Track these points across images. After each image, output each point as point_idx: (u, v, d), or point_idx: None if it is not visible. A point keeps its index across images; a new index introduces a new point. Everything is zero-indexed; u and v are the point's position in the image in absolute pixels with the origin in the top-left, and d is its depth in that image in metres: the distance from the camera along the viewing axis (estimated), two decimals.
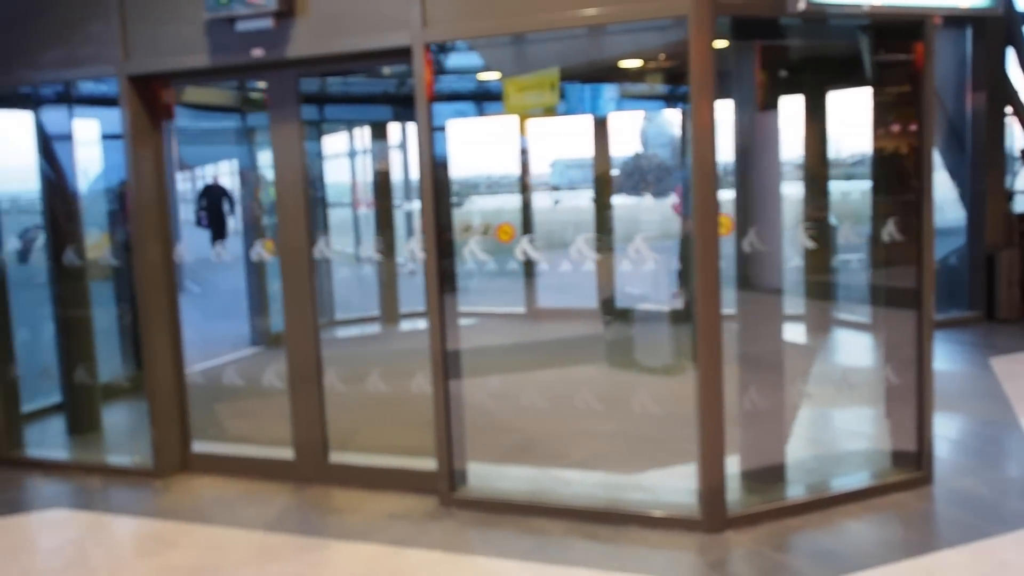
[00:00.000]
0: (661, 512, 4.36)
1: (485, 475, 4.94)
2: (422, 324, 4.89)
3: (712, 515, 4.23)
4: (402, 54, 4.55)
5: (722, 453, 4.22)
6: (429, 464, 4.82)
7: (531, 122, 9.03)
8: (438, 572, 3.97)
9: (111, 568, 4.17)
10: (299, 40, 4.71)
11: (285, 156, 5.04)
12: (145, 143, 5.20)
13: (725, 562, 3.96)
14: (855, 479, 4.82)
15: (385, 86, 9.96)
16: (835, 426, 5.87)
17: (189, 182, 19.65)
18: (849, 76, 6.17)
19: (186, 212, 20.12)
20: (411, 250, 4.95)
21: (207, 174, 10.11)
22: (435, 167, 4.61)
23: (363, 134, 10.64)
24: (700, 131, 4.07)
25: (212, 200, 9.79)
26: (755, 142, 4.62)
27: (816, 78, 7.92)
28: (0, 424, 5.68)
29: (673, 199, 8.67)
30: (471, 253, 5.27)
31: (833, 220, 8.14)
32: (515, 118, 9.50)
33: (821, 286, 8.16)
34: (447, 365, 4.69)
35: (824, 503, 4.45)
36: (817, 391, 6.14)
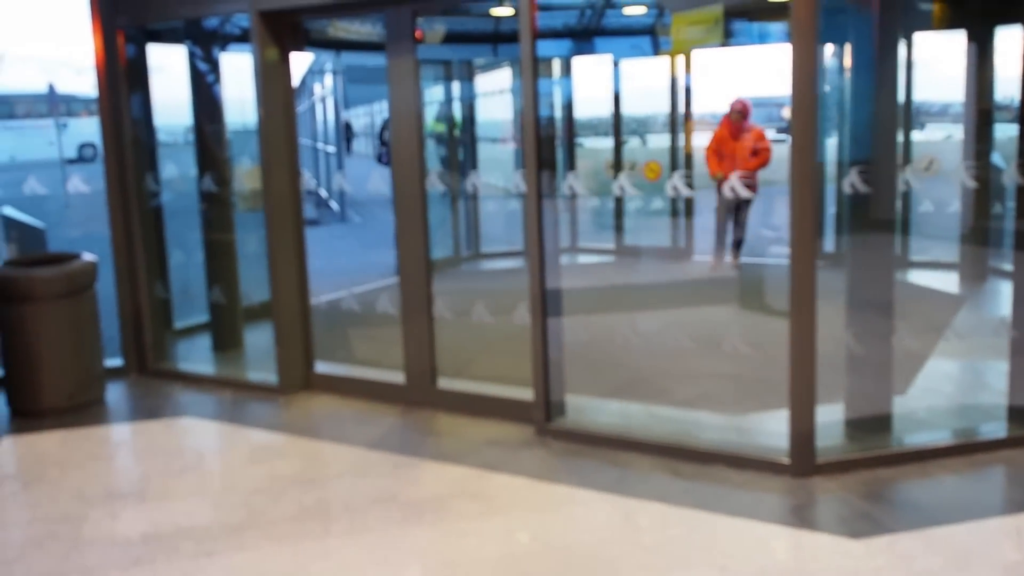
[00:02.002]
0: (749, 453, 4.28)
1: (586, 408, 5.00)
2: (564, 259, 4.91)
3: (800, 459, 4.12)
4: None
5: (812, 398, 4.08)
6: (530, 394, 4.92)
7: (704, 59, 8.82)
8: (517, 495, 4.09)
9: (222, 472, 4.55)
10: None
11: (400, 93, 5.17)
12: (274, 78, 5.46)
13: (806, 506, 3.87)
14: (963, 433, 4.55)
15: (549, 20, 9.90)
16: (964, 378, 5.53)
17: (366, 117, 20.34)
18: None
19: (359, 145, 20.90)
20: (570, 185, 5.02)
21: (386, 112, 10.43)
22: (536, 108, 4.58)
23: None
24: (800, 71, 3.87)
25: None
26: (872, 80, 4.35)
27: (982, 12, 7.31)
28: (149, 339, 6.21)
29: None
30: (620, 188, 5.29)
31: (998, 161, 7.53)
32: (675, 55, 9.37)
33: (980, 232, 7.62)
34: (545, 300, 4.75)
35: (924, 455, 4.23)
36: (957, 342, 5.81)
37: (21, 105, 20.80)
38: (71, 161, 17.10)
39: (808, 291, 4.00)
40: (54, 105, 15.92)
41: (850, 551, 3.47)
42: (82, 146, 19.15)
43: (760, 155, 7.80)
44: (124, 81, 5.98)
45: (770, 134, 8.26)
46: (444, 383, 5.38)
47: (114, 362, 6.16)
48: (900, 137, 7.82)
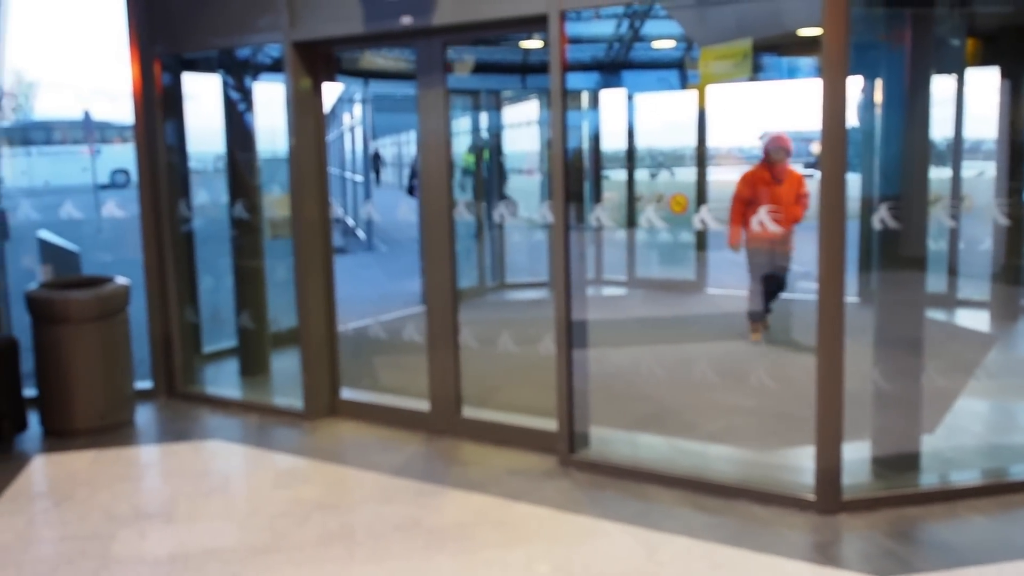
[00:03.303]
0: (775, 489, 4.26)
1: (610, 440, 5.00)
2: (589, 291, 4.94)
3: (826, 496, 4.09)
4: (539, 21, 4.62)
5: (839, 434, 4.07)
6: (554, 425, 4.93)
7: (736, 92, 8.85)
8: (540, 525, 4.09)
9: (248, 496, 4.58)
10: (444, 8, 4.89)
11: (430, 122, 5.25)
12: (306, 107, 5.56)
13: (832, 544, 3.83)
14: (992, 473, 4.50)
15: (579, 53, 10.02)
16: (993, 418, 5.48)
17: (393, 147, 20.49)
18: None
19: (387, 175, 21.02)
20: (597, 217, 5.03)
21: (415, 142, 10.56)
22: (565, 138, 4.64)
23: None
24: (831, 105, 3.89)
25: None
26: (903, 116, 4.36)
27: (1016, 48, 7.32)
28: (179, 362, 6.28)
29: None
30: (647, 221, 5.31)
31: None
32: (703, 89, 9.41)
33: (1013, 270, 7.56)
34: (571, 330, 4.77)
35: (951, 494, 4.19)
36: (987, 381, 5.78)
37: (58, 131, 21.20)
38: (103, 187, 17.38)
39: (836, 327, 4.00)
40: (89, 132, 16.21)
41: None
42: (114, 172, 19.45)
43: (802, 202, 6.90)
44: (160, 108, 6.11)
45: (801, 171, 8.17)
46: (468, 411, 5.40)
47: (143, 384, 6.24)
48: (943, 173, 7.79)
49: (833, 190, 3.94)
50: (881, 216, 4.16)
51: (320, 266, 5.72)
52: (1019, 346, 7.33)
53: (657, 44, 10.08)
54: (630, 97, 10.45)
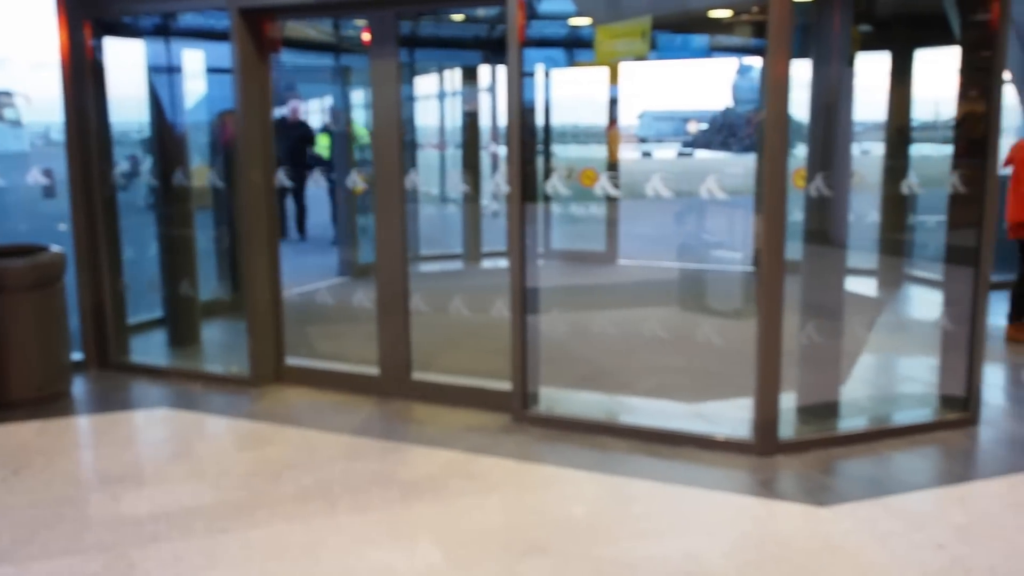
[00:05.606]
0: (717, 435, 4.66)
1: (557, 398, 5.30)
2: (502, 263, 5.24)
3: (764, 440, 4.52)
4: None
5: (777, 384, 4.50)
6: (502, 385, 5.20)
7: (622, 71, 9.19)
8: (508, 475, 4.36)
9: (214, 458, 4.65)
10: None
11: (383, 95, 5.38)
12: (253, 76, 5.59)
13: (773, 480, 4.26)
14: (903, 417, 5.09)
15: (477, 31, 10.19)
16: (894, 371, 6.09)
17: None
18: (938, 35, 6.22)
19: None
20: (496, 184, 5.27)
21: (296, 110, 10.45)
22: (523, 112, 4.87)
23: (453, 77, 10.93)
24: (775, 84, 4.27)
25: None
26: (833, 97, 4.78)
27: (903, 36, 7.94)
28: (112, 332, 6.21)
29: None
30: (553, 189, 5.57)
31: (914, 180, 8.17)
32: (605, 68, 9.71)
33: (897, 243, 8.25)
34: (525, 296, 5.03)
35: (871, 436, 4.71)
36: (881, 339, 6.38)
37: None
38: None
39: (776, 291, 4.40)
40: None
41: (819, 517, 3.87)
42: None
43: None
44: (89, 74, 6.00)
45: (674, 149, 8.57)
46: (417, 374, 5.60)
47: (73, 356, 6.14)
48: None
49: (775, 167, 4.31)
50: (816, 185, 4.58)
51: (265, 233, 5.77)
52: (903, 308, 8.05)
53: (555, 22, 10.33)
54: (530, 74, 10.69)
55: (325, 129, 10.41)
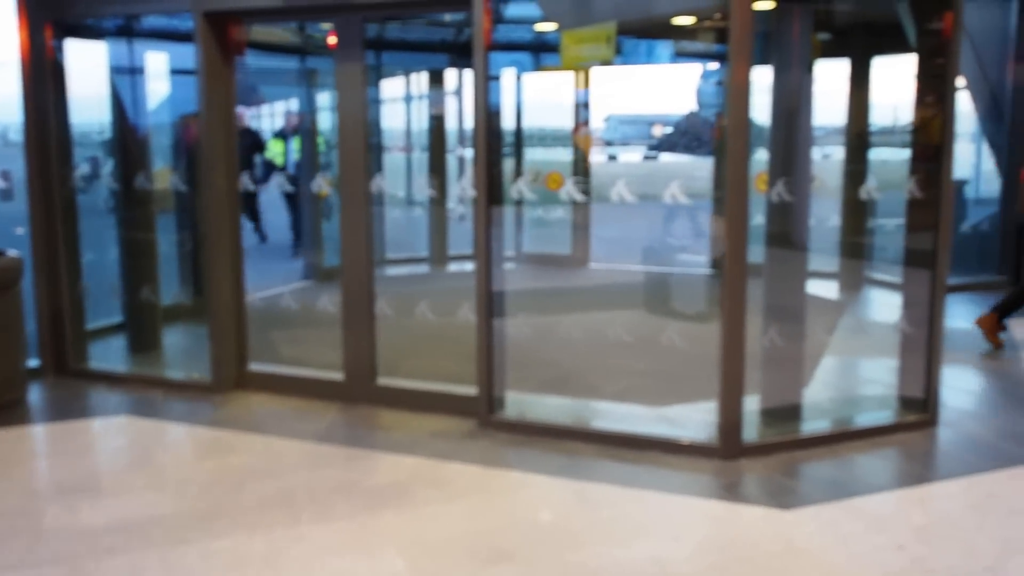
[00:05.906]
0: (682, 439, 4.68)
1: (523, 403, 5.29)
2: (469, 266, 5.23)
3: (728, 444, 4.55)
4: (462, 1, 4.80)
5: (741, 388, 4.52)
6: (468, 390, 5.18)
7: (589, 76, 9.23)
8: (474, 481, 4.34)
9: (174, 467, 4.59)
10: None
11: (348, 98, 5.34)
12: (217, 78, 5.52)
13: (737, 484, 4.28)
14: (864, 419, 5.15)
15: (443, 34, 10.17)
16: (854, 373, 6.16)
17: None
18: (894, 43, 6.31)
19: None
20: (463, 187, 5.25)
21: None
22: (489, 115, 4.86)
23: (419, 81, 10.89)
24: (736, 90, 4.30)
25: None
26: (793, 103, 4.83)
27: (861, 43, 8.05)
28: (69, 337, 6.11)
29: None
30: (519, 192, 5.57)
31: (873, 184, 8.29)
32: (571, 72, 9.74)
33: (857, 246, 8.35)
34: (492, 301, 5.01)
35: (833, 438, 4.77)
36: (842, 341, 6.44)
37: None
38: None
39: (739, 294, 4.43)
40: None
41: (783, 520, 3.90)
42: None
43: None
44: (50, 76, 5.90)
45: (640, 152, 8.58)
46: (383, 380, 5.56)
47: (30, 362, 6.02)
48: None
49: (738, 171, 4.34)
50: (778, 191, 4.62)
51: (228, 236, 5.71)
52: (864, 311, 8.15)
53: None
54: (496, 77, 10.68)
55: (281, 134, 10.29)
